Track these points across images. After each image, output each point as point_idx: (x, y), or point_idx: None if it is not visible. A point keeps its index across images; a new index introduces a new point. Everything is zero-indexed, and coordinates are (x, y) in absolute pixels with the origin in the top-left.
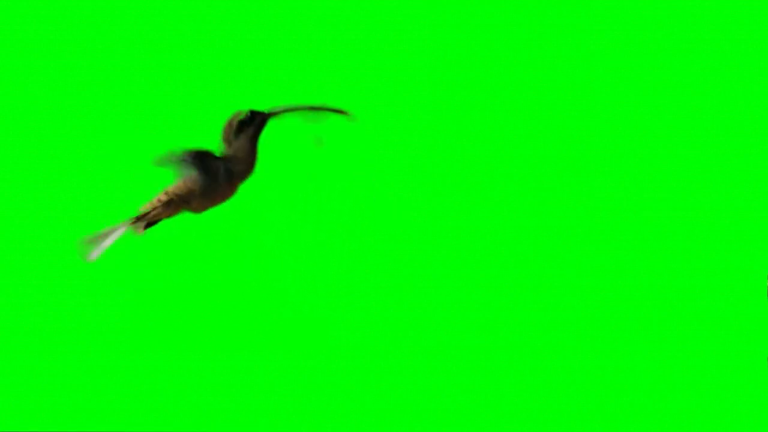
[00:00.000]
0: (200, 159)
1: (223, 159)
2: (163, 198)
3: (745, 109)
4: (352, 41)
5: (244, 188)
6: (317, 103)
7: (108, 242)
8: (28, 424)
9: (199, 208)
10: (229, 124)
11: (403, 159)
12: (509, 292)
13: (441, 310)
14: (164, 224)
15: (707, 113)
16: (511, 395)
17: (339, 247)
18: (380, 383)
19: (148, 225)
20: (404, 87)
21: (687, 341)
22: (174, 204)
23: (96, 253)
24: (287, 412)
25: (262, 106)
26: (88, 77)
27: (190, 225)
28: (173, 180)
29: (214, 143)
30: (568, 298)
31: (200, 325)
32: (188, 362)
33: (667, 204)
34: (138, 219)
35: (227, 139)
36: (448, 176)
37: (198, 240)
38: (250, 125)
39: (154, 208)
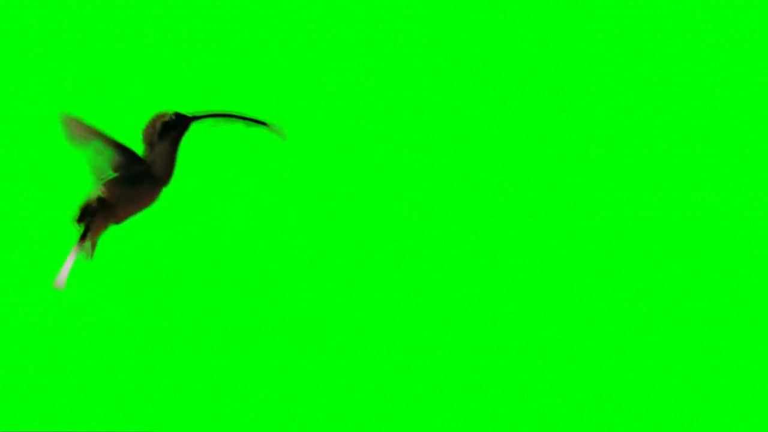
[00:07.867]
0: (126, 163)
1: (145, 163)
2: (93, 202)
3: (745, 110)
4: (347, 41)
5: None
6: (240, 111)
7: (66, 268)
8: (28, 424)
9: (122, 216)
10: (152, 125)
11: (390, 159)
12: (505, 292)
13: (433, 310)
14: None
15: (707, 113)
16: (508, 395)
17: (321, 249)
18: (371, 383)
19: (93, 246)
20: (396, 87)
21: (688, 344)
22: (102, 210)
23: (62, 281)
24: (273, 413)
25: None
26: (86, 77)
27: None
28: (93, 189)
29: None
30: (569, 299)
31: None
32: (179, 360)
33: (667, 204)
34: (82, 238)
35: (150, 142)
36: (442, 177)
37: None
38: (174, 128)
39: (90, 216)
